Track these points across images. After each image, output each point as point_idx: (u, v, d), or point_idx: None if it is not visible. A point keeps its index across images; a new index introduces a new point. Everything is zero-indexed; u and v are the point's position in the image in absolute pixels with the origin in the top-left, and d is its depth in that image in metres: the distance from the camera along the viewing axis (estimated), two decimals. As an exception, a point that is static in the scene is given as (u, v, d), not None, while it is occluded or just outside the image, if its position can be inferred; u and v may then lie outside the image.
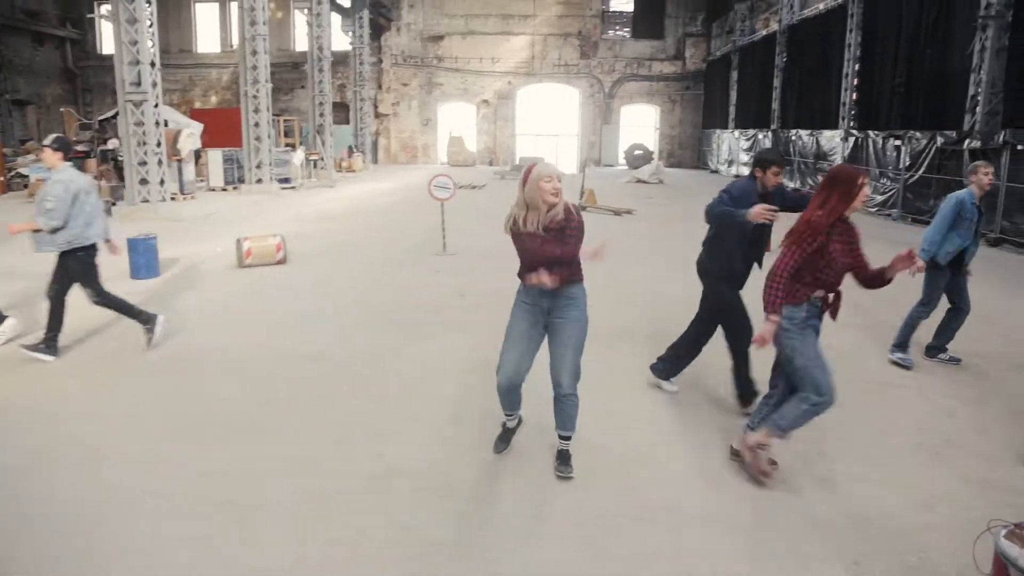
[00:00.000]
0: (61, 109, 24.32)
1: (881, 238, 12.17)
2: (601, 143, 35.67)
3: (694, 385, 5.08)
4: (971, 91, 13.30)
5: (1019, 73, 12.49)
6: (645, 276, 8.97)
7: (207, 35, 34.89)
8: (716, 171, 31.64)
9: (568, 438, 3.86)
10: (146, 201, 13.74)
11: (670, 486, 3.70)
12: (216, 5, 33.98)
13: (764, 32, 27.47)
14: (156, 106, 13.60)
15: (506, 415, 4.02)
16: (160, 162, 13.82)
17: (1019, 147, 11.49)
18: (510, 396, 3.85)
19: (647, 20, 35.33)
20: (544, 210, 3.53)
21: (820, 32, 21.20)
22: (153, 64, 13.51)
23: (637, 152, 33.08)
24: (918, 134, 14.73)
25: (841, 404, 3.81)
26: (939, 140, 13.88)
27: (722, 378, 4.93)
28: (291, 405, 4.69)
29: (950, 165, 13.68)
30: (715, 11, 34.10)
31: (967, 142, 12.88)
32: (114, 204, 14.47)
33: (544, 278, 3.44)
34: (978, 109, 13.21)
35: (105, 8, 13.15)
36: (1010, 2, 12.64)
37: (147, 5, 13.14)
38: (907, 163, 15.08)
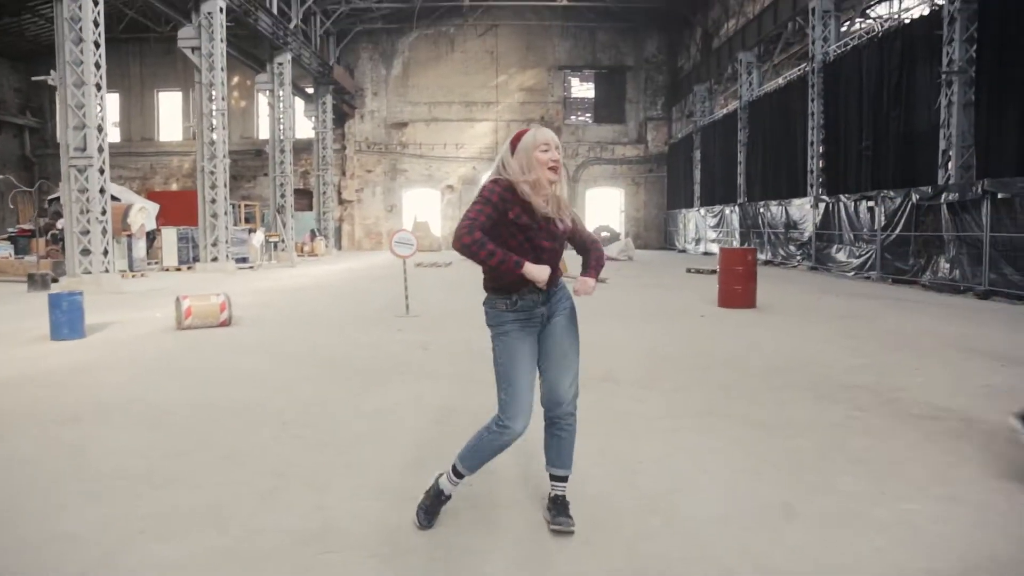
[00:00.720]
0: (13, 191, 23.41)
1: (862, 295, 11.70)
2: (568, 225, 35.54)
3: (711, 413, 4.24)
4: (942, 146, 13.18)
5: (988, 125, 12.41)
6: (624, 329, 8.22)
7: (169, 123, 34.71)
8: (684, 250, 31.57)
9: (565, 479, 2.92)
10: (88, 272, 12.77)
11: (692, 538, 2.81)
12: (179, 94, 33.91)
13: (724, 111, 28.01)
14: (102, 172, 12.84)
15: (464, 476, 2.90)
16: (104, 231, 12.94)
17: (999, 196, 11.20)
18: (503, 451, 2.85)
19: (608, 106, 36.06)
20: (548, 190, 2.75)
21: (781, 104, 21.49)
22: (100, 129, 12.85)
23: (604, 234, 32.95)
24: (891, 193, 14.53)
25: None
26: (914, 197, 13.65)
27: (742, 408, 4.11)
28: (211, 456, 3.74)
29: (928, 221, 13.40)
30: (675, 95, 34.98)
31: (944, 196, 12.63)
32: (55, 280, 13.50)
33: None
34: (951, 164, 13.07)
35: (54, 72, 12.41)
36: (971, 58, 12.71)
37: (95, 70, 12.56)
38: (882, 223, 14.82)
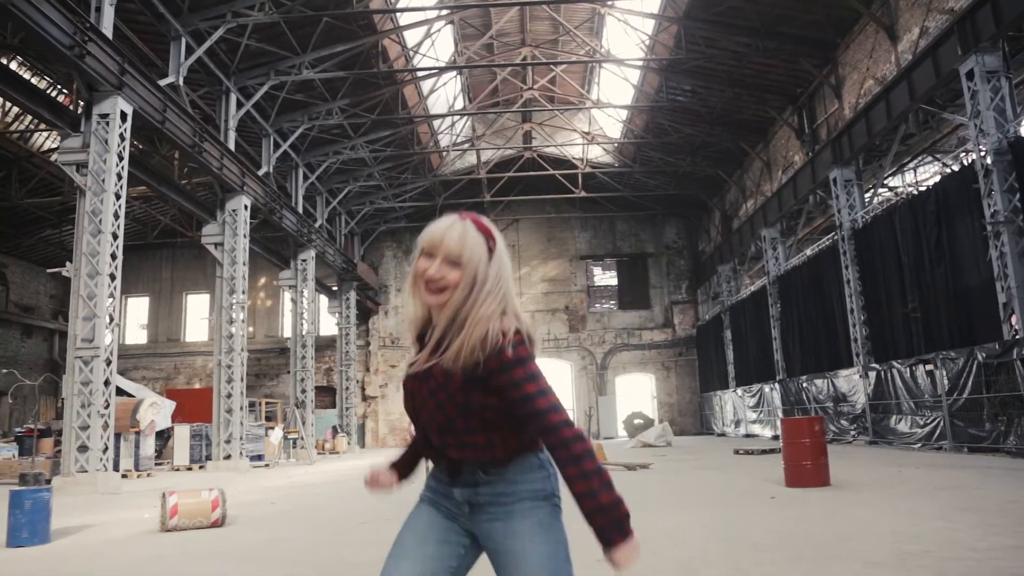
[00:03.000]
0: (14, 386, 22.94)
1: (944, 467, 10.23)
2: (598, 415, 34.16)
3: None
4: (1002, 299, 12.21)
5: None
6: (688, 515, 6.87)
7: (196, 324, 35.01)
8: (723, 434, 29.83)
9: None
10: (83, 471, 11.67)
11: None
12: (207, 296, 34.46)
13: (751, 289, 27.59)
14: (108, 363, 12.17)
15: None
16: (106, 426, 12.01)
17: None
18: None
19: (632, 292, 35.99)
20: (434, 321, 1.86)
21: (812, 275, 20.95)
22: (111, 319, 12.36)
23: (637, 421, 31.43)
24: (952, 354, 13.37)
25: None
26: (980, 356, 12.48)
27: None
28: None
29: (1000, 380, 12.12)
30: (698, 278, 34.93)
31: (1016, 351, 11.47)
32: (48, 481, 12.37)
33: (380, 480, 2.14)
34: (1015, 317, 12.05)
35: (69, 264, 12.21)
36: (1016, 207, 12.13)
37: (111, 260, 12.32)
38: (946, 387, 13.51)
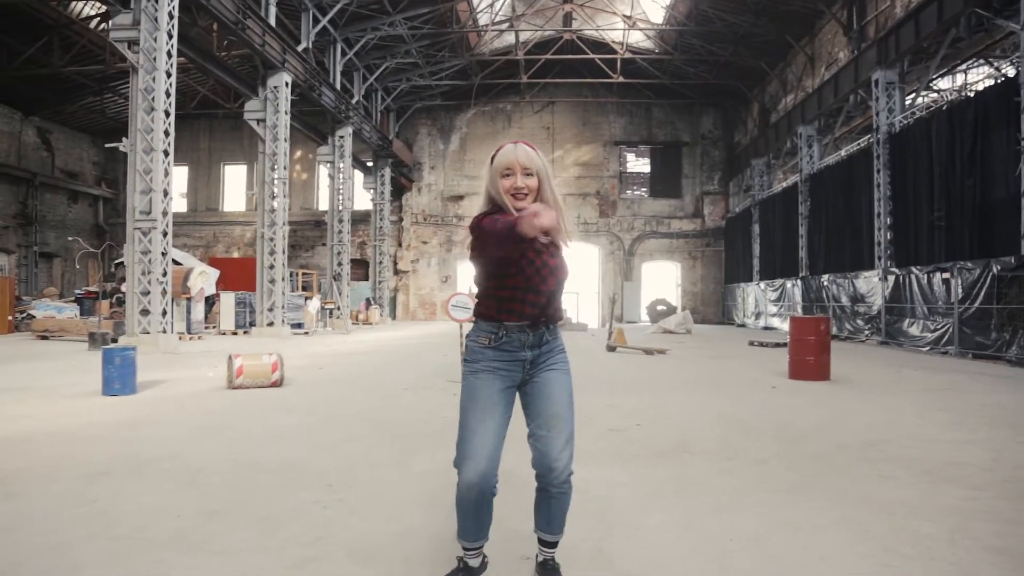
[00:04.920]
0: (80, 252, 24.23)
1: (944, 370, 10.90)
2: (623, 299, 35.08)
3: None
4: (1024, 215, 12.48)
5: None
6: (693, 399, 7.69)
7: (233, 195, 35.93)
8: (743, 325, 30.70)
9: (555, 544, 2.67)
10: (146, 332, 12.84)
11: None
12: (244, 167, 35.18)
13: (784, 185, 27.57)
14: (165, 235, 13.07)
15: (469, 546, 2.63)
16: (164, 292, 13.06)
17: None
18: (481, 504, 2.50)
19: (664, 180, 35.97)
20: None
21: (844, 177, 20.96)
22: (166, 193, 13.14)
23: (660, 307, 32.34)
24: (969, 264, 13.77)
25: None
26: (995, 268, 12.88)
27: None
28: (245, 520, 3.39)
29: (1011, 293, 12.58)
30: (731, 170, 34.73)
31: (1030, 266, 11.87)
32: (115, 340, 13.61)
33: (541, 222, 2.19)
34: (1034, 233, 12.34)
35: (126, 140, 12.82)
36: (1053, 125, 12.14)
37: (164, 137, 12.94)
38: (959, 295, 14.00)
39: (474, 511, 2.50)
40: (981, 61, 20.62)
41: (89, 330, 14.13)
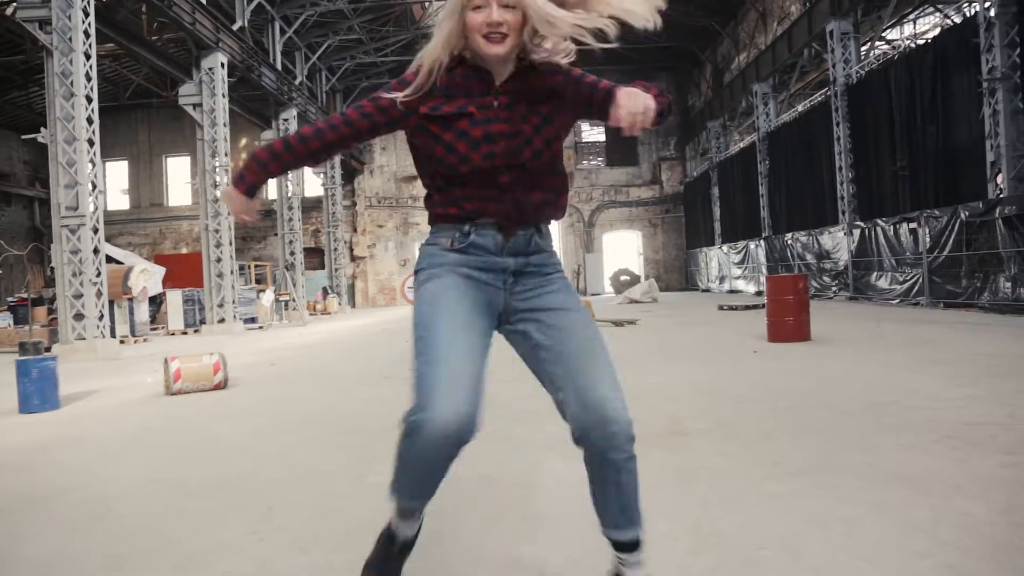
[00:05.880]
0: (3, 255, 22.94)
1: (920, 321, 10.64)
2: (586, 272, 34.69)
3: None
4: (990, 157, 12.24)
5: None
6: (673, 370, 7.20)
7: (178, 188, 34.50)
8: (707, 290, 30.56)
9: (637, 545, 1.84)
10: (82, 339, 11.94)
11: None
12: (187, 158, 33.74)
13: (741, 145, 27.30)
14: (96, 231, 12.12)
15: (409, 506, 1.91)
16: (99, 294, 12.15)
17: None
18: (450, 459, 1.75)
19: (620, 148, 35.51)
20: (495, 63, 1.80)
21: (803, 132, 20.71)
22: (94, 186, 12.17)
23: (624, 278, 32.09)
24: (936, 212, 13.54)
25: None
26: (963, 214, 12.65)
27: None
28: (158, 564, 2.74)
29: (981, 239, 12.36)
30: (687, 134, 34.43)
31: (999, 209, 11.62)
32: (48, 348, 12.65)
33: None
34: (1001, 176, 12.12)
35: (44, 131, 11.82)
36: (1015, 63, 11.86)
37: (87, 124, 11.94)
38: (928, 245, 13.79)
39: (433, 466, 1.77)
40: (930, 9, 20.49)
41: (20, 340, 13.12)
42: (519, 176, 1.81)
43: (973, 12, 13.50)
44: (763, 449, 3.81)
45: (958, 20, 16.78)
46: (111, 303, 14.17)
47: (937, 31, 18.12)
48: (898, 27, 22.51)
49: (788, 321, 9.20)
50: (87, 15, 12.18)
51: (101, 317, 12.18)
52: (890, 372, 6.21)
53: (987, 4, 12.19)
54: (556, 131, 1.86)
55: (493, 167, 1.79)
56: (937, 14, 20.98)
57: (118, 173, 34.68)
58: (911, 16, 21.25)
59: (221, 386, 7.57)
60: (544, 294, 1.85)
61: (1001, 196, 12.02)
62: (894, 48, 21.11)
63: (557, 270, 1.92)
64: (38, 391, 6.58)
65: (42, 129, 11.99)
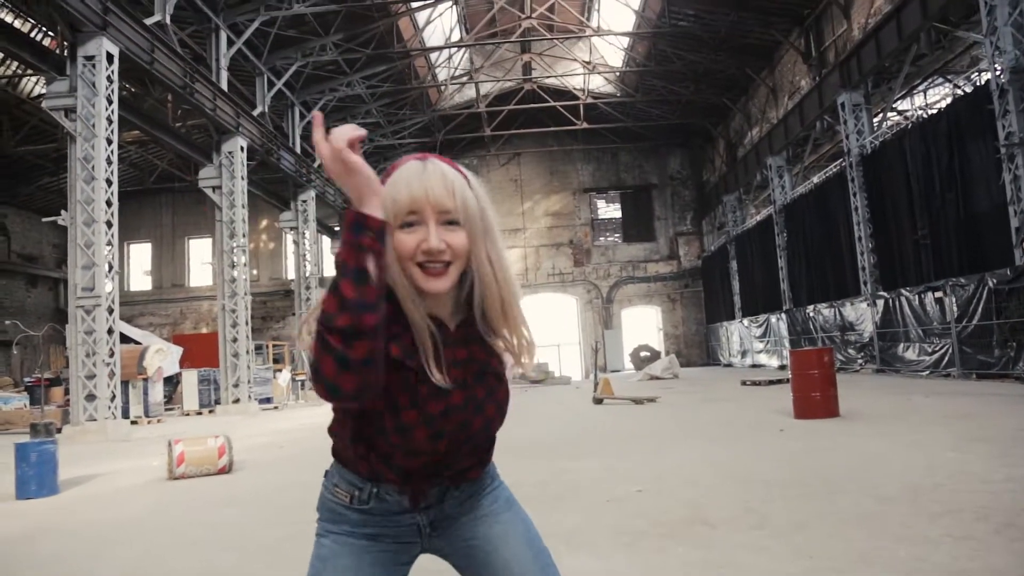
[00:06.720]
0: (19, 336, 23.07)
1: (955, 394, 10.18)
2: (605, 348, 34.26)
3: None
4: (1014, 223, 11.95)
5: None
6: (695, 452, 6.84)
7: (199, 269, 34.94)
8: (729, 364, 29.98)
9: None
10: (92, 420, 11.76)
11: None
12: (208, 240, 34.29)
13: (757, 218, 27.24)
14: (111, 312, 12.11)
15: None
16: (112, 374, 12.04)
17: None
18: None
19: (637, 224, 35.64)
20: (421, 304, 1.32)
21: (819, 203, 20.61)
22: (110, 267, 12.24)
23: (644, 354, 31.62)
24: (962, 280, 13.20)
25: None
26: (991, 282, 12.30)
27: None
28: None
29: (1011, 307, 11.97)
30: (703, 208, 34.51)
31: (1029, 277, 11.30)
32: (59, 430, 12.47)
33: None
34: (1028, 241, 11.83)
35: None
36: (1033, 129, 11.75)
37: (106, 207, 12.10)
38: (955, 314, 13.39)
39: None
40: (940, 80, 20.64)
41: (32, 421, 12.98)
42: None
43: (984, 81, 13.52)
44: (797, 542, 3.46)
45: (968, 89, 16.82)
46: (125, 384, 14.07)
47: (948, 100, 18.18)
48: (909, 97, 22.68)
49: (815, 397, 8.82)
50: (111, 103, 12.52)
51: (113, 398, 12.04)
52: (930, 451, 5.82)
53: (999, 72, 12.18)
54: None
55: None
56: (947, 84, 21.14)
57: (142, 255, 35.28)
58: (921, 87, 21.42)
59: (226, 470, 7.31)
60: (472, 527, 1.50)
61: (1029, 262, 11.70)
62: (906, 118, 21.20)
63: (496, 483, 1.55)
64: (36, 476, 6.37)
65: (63, 211, 12.18)
